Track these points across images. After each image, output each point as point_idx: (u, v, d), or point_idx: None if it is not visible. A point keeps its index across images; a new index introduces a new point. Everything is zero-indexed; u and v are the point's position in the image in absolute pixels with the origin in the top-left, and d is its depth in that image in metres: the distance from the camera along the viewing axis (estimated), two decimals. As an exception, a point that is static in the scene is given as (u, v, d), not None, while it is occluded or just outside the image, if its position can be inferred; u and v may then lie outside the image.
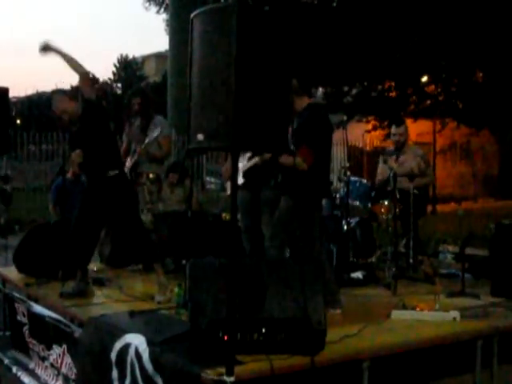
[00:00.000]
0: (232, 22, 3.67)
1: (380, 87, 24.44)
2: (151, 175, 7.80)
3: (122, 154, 7.99)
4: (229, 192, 6.56)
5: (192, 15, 3.91)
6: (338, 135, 7.09)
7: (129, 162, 7.80)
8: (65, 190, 8.39)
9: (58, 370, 5.67)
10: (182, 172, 8.85)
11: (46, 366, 5.93)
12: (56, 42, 6.09)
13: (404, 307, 5.71)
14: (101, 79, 73.89)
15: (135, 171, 7.78)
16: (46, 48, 6.11)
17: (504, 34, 18.77)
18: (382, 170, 8.50)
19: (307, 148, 5.76)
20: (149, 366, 4.35)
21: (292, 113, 5.81)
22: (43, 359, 6.00)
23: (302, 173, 5.77)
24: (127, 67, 71.84)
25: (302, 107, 6.00)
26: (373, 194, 8.01)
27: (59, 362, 5.64)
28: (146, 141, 7.61)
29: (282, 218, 6.00)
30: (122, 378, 4.64)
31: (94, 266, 7.92)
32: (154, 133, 7.58)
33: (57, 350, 5.70)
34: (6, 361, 6.51)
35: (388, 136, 22.52)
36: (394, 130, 8.62)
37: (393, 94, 24.70)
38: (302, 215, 5.88)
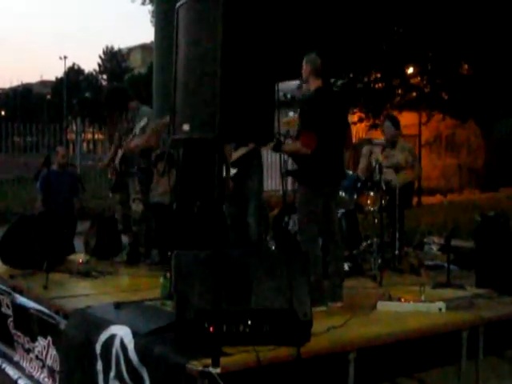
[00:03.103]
0: (218, 12, 3.64)
1: (366, 79, 24.43)
2: (143, 165, 7.79)
3: (116, 147, 8.03)
4: None
5: (177, 5, 3.89)
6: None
7: (120, 153, 7.82)
8: (50, 182, 8.35)
9: (43, 362, 5.64)
10: (168, 162, 8.81)
11: (31, 358, 5.90)
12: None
13: (390, 298, 5.72)
14: (86, 70, 73.93)
15: (125, 163, 7.77)
16: None
17: (490, 26, 18.81)
18: (363, 163, 8.47)
19: (307, 132, 5.73)
20: (134, 358, 4.33)
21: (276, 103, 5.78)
22: (28, 351, 5.97)
23: (306, 159, 5.73)
24: (113, 58, 71.70)
25: (311, 90, 5.98)
26: (359, 185, 8.01)
27: (44, 354, 5.62)
28: (133, 132, 7.60)
29: (301, 210, 5.92)
30: (106, 369, 4.62)
31: (79, 257, 7.91)
32: (140, 124, 7.56)
33: (42, 342, 5.67)
34: (-10, 353, 6.49)
35: (373, 126, 22.60)
36: (392, 131, 8.39)
37: (379, 85, 24.70)
38: (312, 202, 5.85)
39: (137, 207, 7.75)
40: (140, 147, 7.69)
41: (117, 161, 7.86)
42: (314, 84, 5.97)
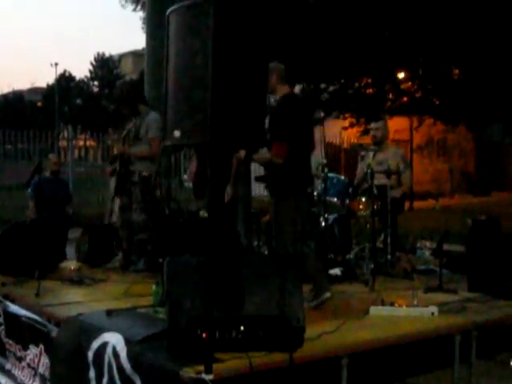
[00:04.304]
0: (209, 18, 3.64)
1: (357, 84, 24.49)
2: (145, 173, 7.65)
3: None
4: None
5: (168, 11, 3.89)
6: (315, 132, 7.11)
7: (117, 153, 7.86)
8: (41, 189, 8.32)
9: (35, 370, 5.61)
10: None
11: (23, 367, 5.87)
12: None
13: (382, 303, 5.72)
14: (77, 77, 73.82)
15: (125, 165, 7.67)
16: None
17: (481, 31, 18.88)
18: (360, 170, 8.50)
19: (278, 142, 5.75)
20: (127, 365, 4.32)
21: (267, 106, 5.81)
22: (20, 359, 5.94)
23: (279, 168, 5.75)
24: (104, 65, 71.59)
25: (279, 96, 6.01)
26: (350, 190, 8.03)
27: (36, 362, 5.59)
28: (122, 135, 7.62)
29: (275, 220, 5.97)
30: (99, 377, 4.60)
31: (71, 265, 7.89)
32: (128, 126, 7.59)
33: (33, 350, 5.65)
34: (-18, 362, 6.45)
35: (364, 132, 22.66)
36: (372, 125, 8.66)
37: (370, 90, 24.77)
38: (283, 209, 5.85)
39: (138, 217, 7.64)
40: (144, 155, 7.68)
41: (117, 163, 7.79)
42: (282, 91, 6.04)
